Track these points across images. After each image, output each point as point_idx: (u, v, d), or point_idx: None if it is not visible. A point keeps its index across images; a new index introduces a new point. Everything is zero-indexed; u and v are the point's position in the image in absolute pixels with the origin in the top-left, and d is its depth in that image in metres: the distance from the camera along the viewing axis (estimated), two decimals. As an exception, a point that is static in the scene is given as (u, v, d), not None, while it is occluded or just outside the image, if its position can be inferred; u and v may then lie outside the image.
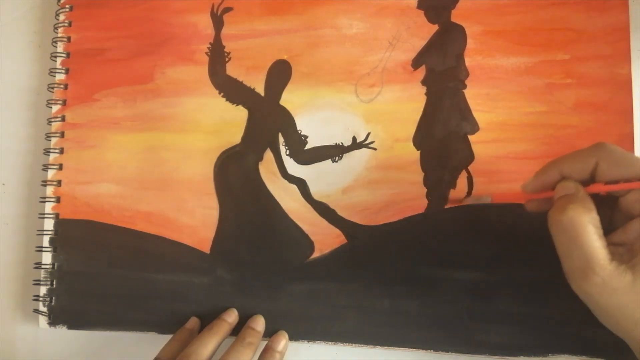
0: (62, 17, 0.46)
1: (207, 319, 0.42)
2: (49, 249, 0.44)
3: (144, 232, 0.44)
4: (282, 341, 0.41)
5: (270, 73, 0.43)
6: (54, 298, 0.44)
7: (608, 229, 0.31)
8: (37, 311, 0.44)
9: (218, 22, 0.44)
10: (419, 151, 0.41)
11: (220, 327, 0.40)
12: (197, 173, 0.43)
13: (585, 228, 0.29)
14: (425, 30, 0.42)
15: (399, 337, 0.41)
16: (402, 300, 0.41)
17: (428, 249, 0.41)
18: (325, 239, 0.42)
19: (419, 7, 0.42)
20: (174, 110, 0.44)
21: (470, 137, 0.41)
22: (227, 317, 0.41)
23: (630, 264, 0.28)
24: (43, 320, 0.43)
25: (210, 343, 0.38)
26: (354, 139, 0.42)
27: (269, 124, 0.43)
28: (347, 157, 0.42)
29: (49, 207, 0.44)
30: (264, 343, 0.41)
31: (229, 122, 0.43)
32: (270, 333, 0.42)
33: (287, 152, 0.43)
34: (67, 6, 0.46)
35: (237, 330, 0.41)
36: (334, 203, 0.42)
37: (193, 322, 0.42)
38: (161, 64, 0.44)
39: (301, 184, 0.42)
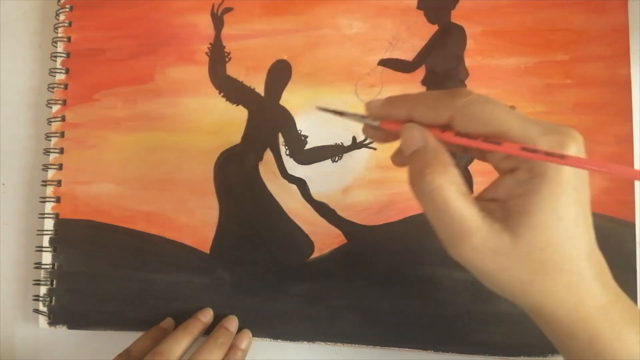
0: (62, 17, 0.46)
1: (207, 319, 0.42)
2: (49, 249, 0.44)
3: (144, 232, 0.44)
4: (246, 340, 0.41)
5: (271, 73, 0.43)
6: (54, 298, 0.44)
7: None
8: (37, 311, 0.44)
9: (218, 22, 0.44)
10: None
11: (195, 326, 0.40)
12: (197, 173, 0.43)
13: (448, 191, 0.26)
14: (425, 31, 0.42)
15: (399, 337, 0.41)
16: (402, 300, 0.41)
17: (428, 249, 0.41)
18: (325, 239, 0.42)
19: (419, 7, 0.42)
20: (174, 110, 0.44)
21: (470, 137, 0.41)
22: (203, 316, 0.41)
23: (506, 224, 0.26)
24: (43, 320, 0.43)
25: (183, 341, 0.39)
26: (354, 138, 0.42)
27: (269, 124, 0.43)
28: (347, 157, 0.42)
29: (49, 207, 0.44)
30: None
31: (229, 122, 0.43)
32: (269, 333, 0.42)
33: (287, 152, 0.43)
34: (67, 6, 0.46)
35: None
36: (334, 203, 0.42)
37: (168, 322, 0.42)
38: (161, 64, 0.44)
39: (301, 184, 0.42)
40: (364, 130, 0.30)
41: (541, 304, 0.27)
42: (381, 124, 0.29)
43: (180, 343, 0.38)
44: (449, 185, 0.26)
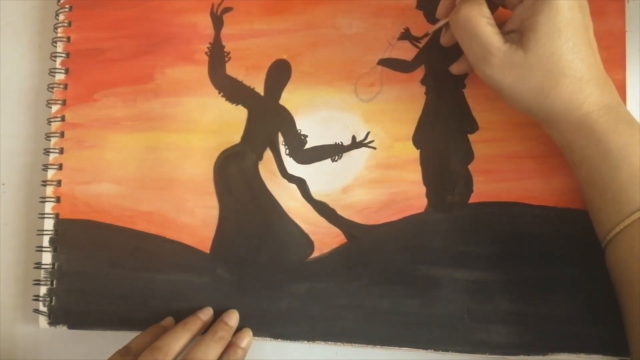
0: (61, 17, 0.46)
1: (207, 319, 0.42)
2: (49, 249, 0.44)
3: (144, 232, 0.44)
4: (246, 338, 0.41)
5: (270, 72, 0.43)
6: (54, 298, 0.44)
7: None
8: (37, 311, 0.44)
9: (218, 22, 0.44)
10: (419, 150, 0.41)
11: (194, 324, 0.40)
12: (197, 173, 0.43)
13: (478, 20, 0.33)
14: (424, 30, 0.42)
15: (399, 337, 0.40)
16: (402, 300, 0.41)
17: (428, 249, 0.41)
18: (325, 238, 0.42)
19: (419, 7, 0.42)
20: (174, 110, 0.44)
21: (470, 136, 0.41)
22: (203, 315, 0.41)
23: (520, 43, 0.33)
24: (43, 320, 0.43)
25: (182, 338, 0.39)
26: (354, 138, 0.42)
27: (268, 124, 0.43)
28: (347, 157, 0.42)
29: (48, 207, 0.44)
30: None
31: (229, 121, 0.43)
32: (269, 333, 0.42)
33: (287, 152, 0.43)
34: (66, 6, 0.46)
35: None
36: (334, 202, 0.42)
37: (168, 321, 0.42)
38: (161, 64, 0.44)
39: (301, 184, 0.42)
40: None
41: (550, 107, 0.33)
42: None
43: (179, 340, 0.38)
44: (479, 17, 0.33)
